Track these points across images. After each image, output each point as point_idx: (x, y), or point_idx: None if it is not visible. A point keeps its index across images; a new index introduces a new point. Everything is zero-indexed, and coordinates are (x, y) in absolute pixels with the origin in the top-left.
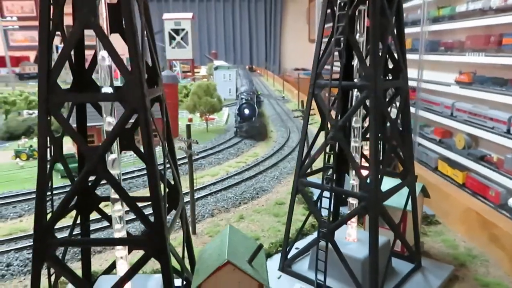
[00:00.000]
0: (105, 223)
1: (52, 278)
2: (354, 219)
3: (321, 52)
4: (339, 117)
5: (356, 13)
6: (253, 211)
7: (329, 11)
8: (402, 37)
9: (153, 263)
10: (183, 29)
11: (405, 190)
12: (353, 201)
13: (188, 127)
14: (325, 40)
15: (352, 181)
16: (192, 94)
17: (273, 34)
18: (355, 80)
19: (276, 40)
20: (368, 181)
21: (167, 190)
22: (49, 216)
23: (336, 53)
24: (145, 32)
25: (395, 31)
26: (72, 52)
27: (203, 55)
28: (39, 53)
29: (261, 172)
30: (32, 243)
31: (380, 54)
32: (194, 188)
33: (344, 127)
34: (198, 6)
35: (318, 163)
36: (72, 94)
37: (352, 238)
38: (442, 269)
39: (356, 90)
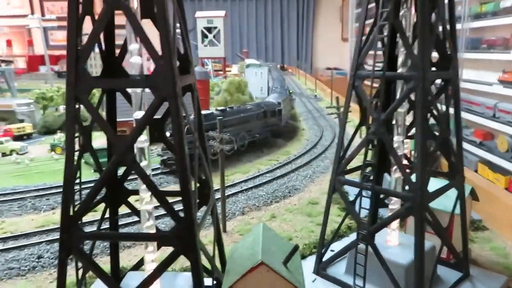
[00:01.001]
0: (136, 218)
1: (80, 272)
2: (396, 222)
3: (363, 41)
4: (381, 111)
5: None
6: (285, 210)
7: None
8: (453, 23)
9: (183, 260)
10: (215, 27)
11: (451, 192)
12: (393, 202)
13: (220, 121)
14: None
15: (393, 180)
16: (224, 90)
17: (305, 33)
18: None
19: (308, 39)
20: (413, 180)
21: (197, 185)
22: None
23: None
24: (177, 18)
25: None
26: (102, 40)
27: (235, 54)
28: (67, 36)
29: (293, 170)
30: None
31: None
32: (225, 185)
33: (386, 121)
34: (231, 5)
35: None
36: (100, 80)
37: (393, 242)
38: (493, 279)
39: (401, 81)
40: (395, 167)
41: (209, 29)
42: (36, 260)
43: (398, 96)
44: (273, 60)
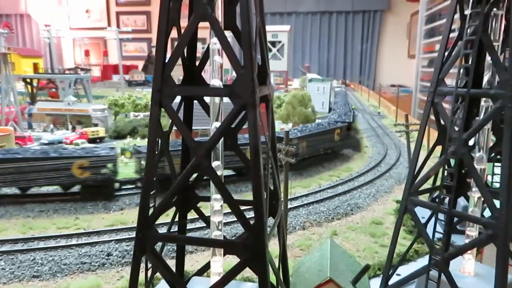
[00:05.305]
0: (198, 225)
1: (149, 272)
2: (473, 250)
3: (445, 56)
4: (463, 130)
5: (492, 13)
6: (347, 228)
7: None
8: None
9: (243, 271)
10: (279, 41)
11: None
12: (471, 230)
13: (287, 133)
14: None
15: (472, 205)
16: (287, 104)
17: (370, 49)
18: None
19: (372, 55)
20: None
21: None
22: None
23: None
24: (259, 31)
25: None
26: (185, 50)
27: (297, 68)
28: (156, 46)
29: (355, 188)
30: (130, 236)
31: None
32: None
33: (468, 142)
34: (295, 19)
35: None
36: (184, 87)
37: (468, 271)
38: None
39: (484, 99)
40: (475, 190)
41: (273, 43)
42: (106, 257)
43: (482, 115)
44: (335, 75)
